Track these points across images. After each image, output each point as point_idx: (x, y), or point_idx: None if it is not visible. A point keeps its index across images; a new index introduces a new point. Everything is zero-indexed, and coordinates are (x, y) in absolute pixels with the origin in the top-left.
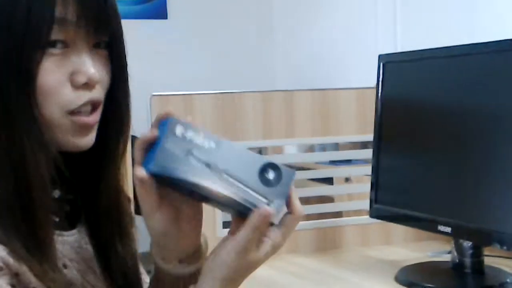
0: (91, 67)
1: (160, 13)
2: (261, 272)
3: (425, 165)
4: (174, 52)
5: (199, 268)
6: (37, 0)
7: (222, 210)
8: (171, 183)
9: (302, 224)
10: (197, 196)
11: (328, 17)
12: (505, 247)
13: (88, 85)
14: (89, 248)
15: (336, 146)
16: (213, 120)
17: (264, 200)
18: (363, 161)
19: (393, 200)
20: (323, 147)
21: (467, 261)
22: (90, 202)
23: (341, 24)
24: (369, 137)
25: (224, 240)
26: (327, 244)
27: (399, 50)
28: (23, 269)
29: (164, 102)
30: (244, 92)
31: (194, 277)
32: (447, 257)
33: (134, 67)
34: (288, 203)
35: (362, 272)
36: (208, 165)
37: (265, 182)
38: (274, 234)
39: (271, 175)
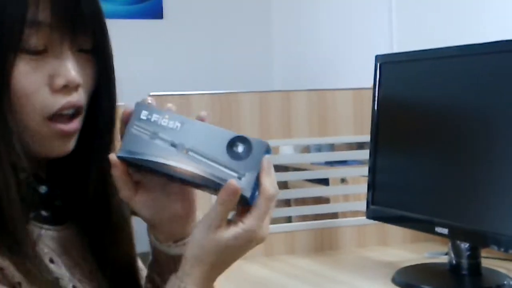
0: (71, 70)
1: (156, 13)
2: (258, 272)
3: (422, 166)
4: (170, 52)
5: None
6: (11, 2)
7: (207, 192)
8: (142, 167)
9: (298, 225)
10: (174, 178)
11: (325, 18)
12: (502, 249)
13: (68, 88)
14: (78, 244)
15: (332, 147)
16: (209, 120)
17: (234, 174)
18: (359, 162)
19: (390, 201)
20: (318, 148)
21: (464, 262)
22: (79, 199)
23: (337, 24)
24: (366, 137)
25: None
26: (323, 245)
27: (394, 50)
28: (6, 263)
29: (161, 102)
30: (241, 92)
31: None
32: (444, 259)
33: (130, 67)
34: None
35: (359, 274)
36: (173, 144)
37: (234, 155)
38: (245, 217)
39: (240, 148)
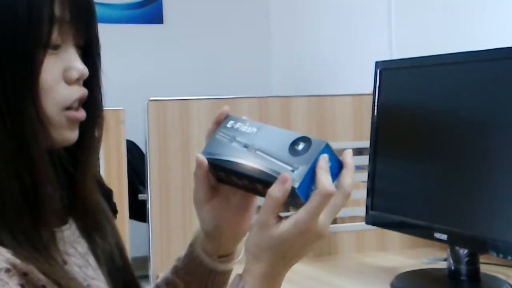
0: (80, 63)
1: (156, 18)
2: None
3: (422, 172)
4: (170, 57)
5: (231, 269)
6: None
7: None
8: (218, 166)
9: None
10: (241, 176)
11: (324, 24)
12: (501, 255)
13: (79, 81)
14: (82, 241)
15: None
16: (209, 125)
17: (288, 167)
18: (358, 167)
19: (389, 207)
20: None
21: (463, 268)
22: (73, 197)
23: (337, 31)
24: (365, 143)
25: None
26: (322, 250)
27: (394, 56)
28: (30, 268)
29: (161, 107)
30: (240, 97)
31: (227, 275)
32: (443, 264)
33: (130, 72)
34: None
35: (358, 279)
36: (246, 146)
37: (294, 152)
38: (298, 211)
39: (300, 146)
